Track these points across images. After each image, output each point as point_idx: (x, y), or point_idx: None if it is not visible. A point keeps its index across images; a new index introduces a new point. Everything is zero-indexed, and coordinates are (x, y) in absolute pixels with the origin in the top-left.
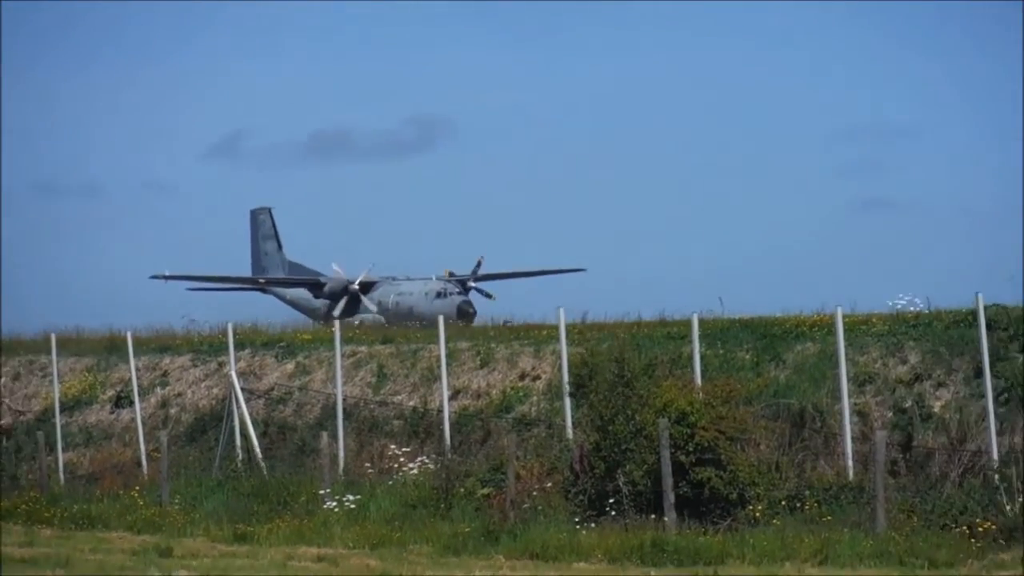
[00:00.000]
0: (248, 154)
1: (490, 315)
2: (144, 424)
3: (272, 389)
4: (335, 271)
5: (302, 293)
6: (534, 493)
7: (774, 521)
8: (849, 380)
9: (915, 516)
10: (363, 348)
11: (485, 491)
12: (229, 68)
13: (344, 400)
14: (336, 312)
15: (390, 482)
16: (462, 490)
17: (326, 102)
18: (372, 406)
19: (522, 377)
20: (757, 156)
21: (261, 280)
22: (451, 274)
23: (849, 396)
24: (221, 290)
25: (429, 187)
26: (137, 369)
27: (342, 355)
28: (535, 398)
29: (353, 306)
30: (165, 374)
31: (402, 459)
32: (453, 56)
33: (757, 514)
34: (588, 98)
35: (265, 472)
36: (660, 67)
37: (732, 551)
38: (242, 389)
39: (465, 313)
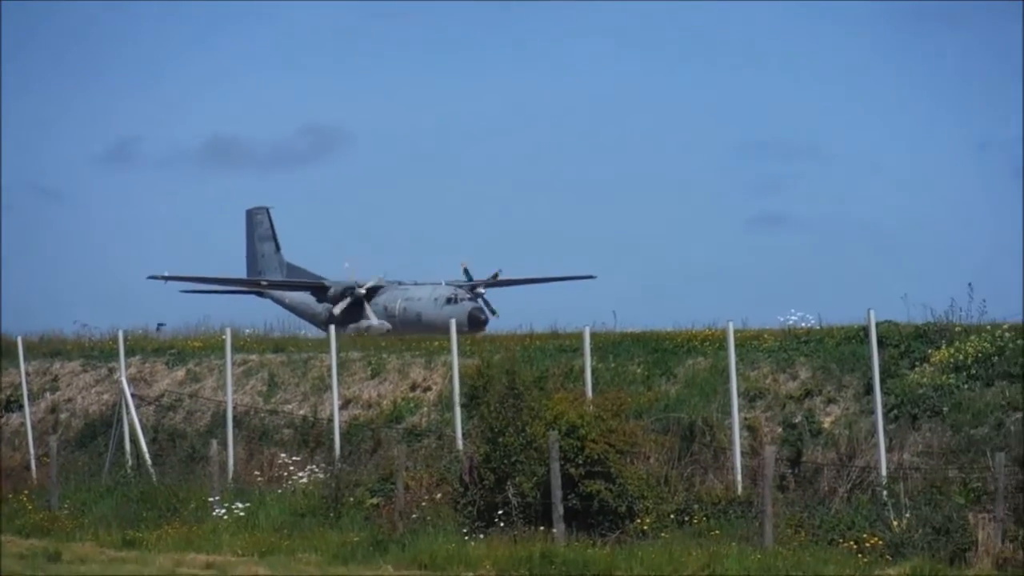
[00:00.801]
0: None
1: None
2: (34, 429)
3: (162, 396)
4: (346, 269)
5: (304, 297)
6: (423, 503)
7: (662, 534)
8: (739, 395)
9: (803, 531)
10: (254, 356)
11: (374, 501)
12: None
13: (234, 408)
14: (337, 313)
15: (279, 490)
16: (351, 499)
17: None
18: (262, 414)
19: (413, 388)
20: (652, 168)
21: (263, 283)
22: (466, 269)
23: (739, 411)
24: (216, 292)
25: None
26: (27, 373)
27: (232, 363)
28: (426, 409)
29: (357, 312)
30: (55, 379)
31: (292, 468)
32: (356, 67)
33: (645, 527)
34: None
35: (154, 478)
36: (549, 76)
37: (620, 564)
38: (132, 395)
39: (477, 320)
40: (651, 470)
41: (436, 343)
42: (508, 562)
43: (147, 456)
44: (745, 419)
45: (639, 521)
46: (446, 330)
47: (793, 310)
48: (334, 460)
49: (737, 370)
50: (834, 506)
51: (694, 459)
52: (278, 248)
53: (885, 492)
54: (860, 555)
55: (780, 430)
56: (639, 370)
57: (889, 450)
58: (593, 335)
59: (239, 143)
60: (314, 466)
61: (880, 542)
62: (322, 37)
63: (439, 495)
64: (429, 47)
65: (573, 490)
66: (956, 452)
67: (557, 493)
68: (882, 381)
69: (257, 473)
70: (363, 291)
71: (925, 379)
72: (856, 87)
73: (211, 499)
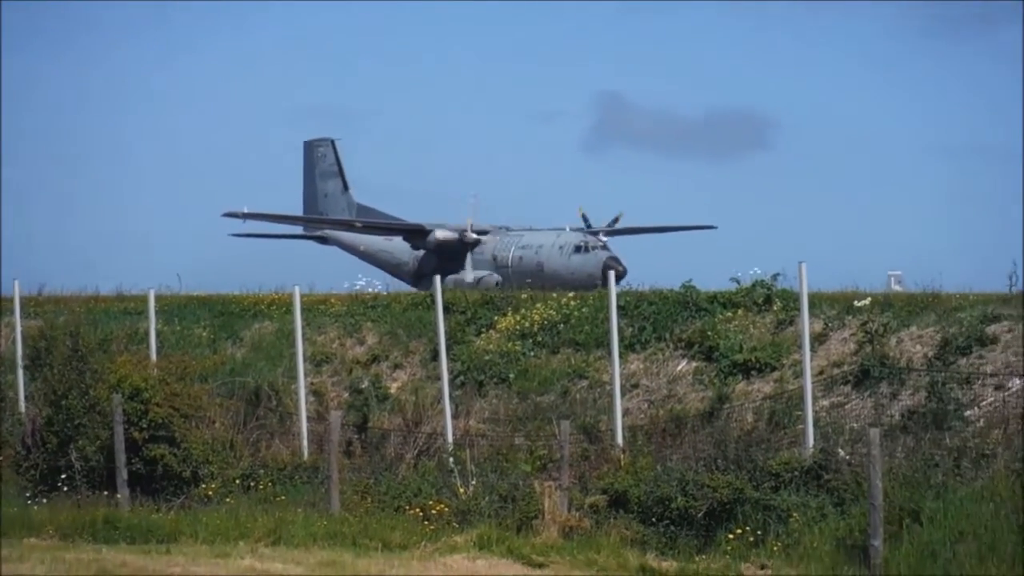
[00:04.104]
0: None
1: None
2: None
3: None
4: (471, 204)
5: (391, 244)
6: None
7: (228, 500)
8: (306, 360)
9: (369, 497)
10: None
11: None
12: None
13: None
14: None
15: None
16: None
17: None
18: None
19: None
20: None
21: (358, 224)
22: (584, 217)
23: (305, 376)
24: (272, 236)
25: None
26: None
27: None
28: None
29: (457, 261)
30: None
31: None
32: None
33: (211, 492)
34: None
35: None
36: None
37: (185, 529)
38: None
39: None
40: (216, 435)
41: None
42: (71, 527)
43: None
44: (311, 384)
45: (204, 486)
46: (574, 284)
47: (360, 275)
48: None
49: (304, 335)
50: (401, 472)
51: (260, 424)
52: (346, 187)
53: (451, 459)
54: (427, 522)
55: (347, 395)
56: (205, 333)
57: (455, 417)
58: (159, 298)
59: None
60: None
61: (447, 509)
62: None
63: (1, 458)
64: None
65: (137, 454)
66: (522, 419)
67: (121, 457)
68: (448, 347)
69: None
70: (475, 236)
71: (491, 346)
72: None
73: None
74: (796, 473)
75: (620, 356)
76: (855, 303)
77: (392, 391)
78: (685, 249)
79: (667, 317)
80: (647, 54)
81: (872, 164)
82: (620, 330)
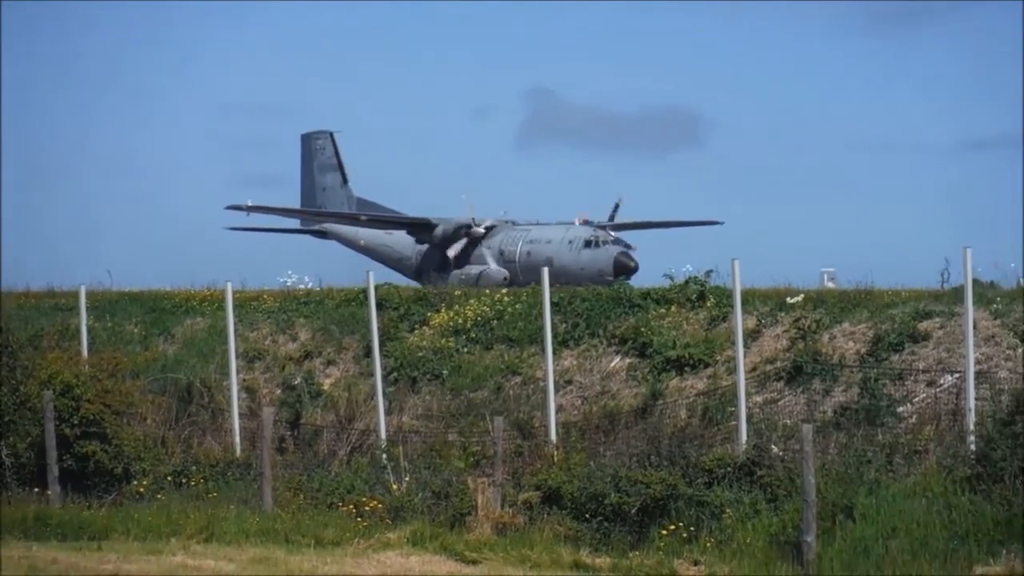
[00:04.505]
0: None
1: None
2: None
3: None
4: (463, 201)
5: (392, 238)
6: None
7: (159, 496)
8: (238, 356)
9: (302, 494)
10: None
11: None
12: None
13: None
14: (452, 256)
15: None
16: None
17: None
18: None
19: None
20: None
21: (363, 217)
22: (586, 221)
23: (238, 372)
24: (271, 231)
25: None
26: None
27: None
28: None
29: (462, 257)
30: None
31: None
32: None
33: (142, 489)
34: None
35: None
36: None
37: (117, 526)
38: None
39: (625, 268)
40: (148, 431)
41: None
42: (2, 524)
43: None
44: (244, 381)
45: (136, 483)
46: (585, 280)
47: (290, 272)
48: None
49: (236, 331)
50: (334, 469)
51: (192, 420)
52: (345, 180)
53: (385, 455)
54: (360, 518)
55: (279, 392)
56: (136, 330)
57: (389, 413)
58: (90, 294)
59: None
60: None
61: (380, 505)
62: None
63: None
64: None
65: (69, 451)
66: (456, 416)
67: (52, 454)
68: (382, 344)
69: None
70: (483, 230)
71: (425, 342)
72: None
73: None
74: (729, 469)
75: (554, 352)
76: (788, 300)
77: (325, 387)
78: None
79: (601, 313)
80: (580, 50)
81: (805, 161)
82: (554, 326)
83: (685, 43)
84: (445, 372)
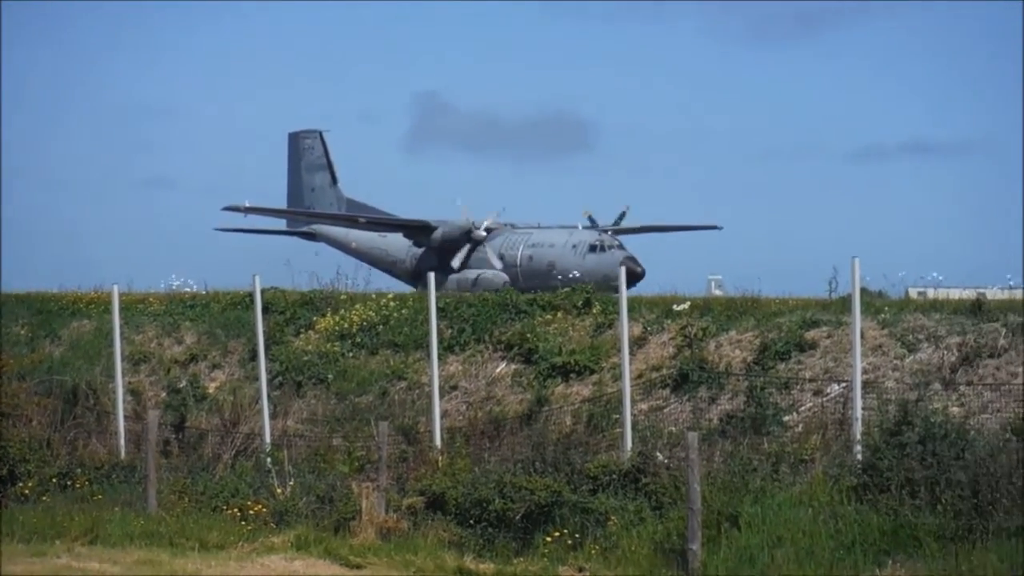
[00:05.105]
0: None
1: None
2: None
3: None
4: (459, 207)
5: (387, 241)
6: None
7: (44, 498)
8: (124, 359)
9: (187, 497)
10: None
11: None
12: None
13: None
14: (455, 265)
15: None
16: None
17: None
18: None
19: None
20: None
21: (361, 219)
22: (590, 217)
23: (123, 375)
24: (259, 232)
25: None
26: None
27: None
28: None
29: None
30: None
31: None
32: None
33: (27, 491)
34: None
35: None
36: None
37: (2, 528)
38: None
39: (632, 273)
40: (33, 433)
41: None
42: None
43: None
44: (129, 383)
45: (21, 485)
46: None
47: (174, 275)
48: None
49: (122, 334)
50: (218, 472)
51: (77, 422)
52: (335, 180)
53: (269, 459)
54: (244, 522)
55: (165, 395)
56: (23, 331)
57: (274, 417)
58: None
59: None
60: None
61: (264, 509)
62: None
63: None
64: None
65: None
66: (341, 420)
67: None
68: (267, 348)
69: None
70: (484, 233)
71: (310, 346)
72: None
73: None
74: (614, 476)
75: (439, 358)
76: (674, 307)
77: (210, 391)
78: None
79: (487, 319)
80: (467, 55)
81: (694, 167)
82: (440, 332)
83: (572, 49)
84: (330, 376)
